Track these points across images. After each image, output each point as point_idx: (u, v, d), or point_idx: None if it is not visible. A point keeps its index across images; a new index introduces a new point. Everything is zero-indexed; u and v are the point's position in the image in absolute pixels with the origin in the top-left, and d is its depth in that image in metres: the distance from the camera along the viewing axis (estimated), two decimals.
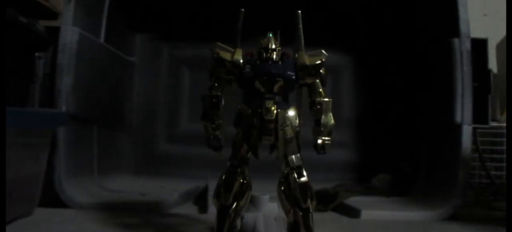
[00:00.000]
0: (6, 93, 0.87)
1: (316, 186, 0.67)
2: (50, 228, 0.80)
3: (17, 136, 0.76)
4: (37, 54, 0.98)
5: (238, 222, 0.70)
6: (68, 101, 0.98)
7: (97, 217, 0.87)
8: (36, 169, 0.85)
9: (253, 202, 0.82)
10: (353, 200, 1.06)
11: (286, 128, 0.64)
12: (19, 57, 0.91)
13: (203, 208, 1.00)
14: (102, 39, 1.13)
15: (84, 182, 1.04)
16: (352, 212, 0.98)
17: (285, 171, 0.65)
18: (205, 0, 1.31)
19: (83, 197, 0.97)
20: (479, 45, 1.05)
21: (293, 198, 0.64)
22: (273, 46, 0.64)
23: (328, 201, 1.04)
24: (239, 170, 0.65)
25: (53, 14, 0.97)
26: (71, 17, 0.99)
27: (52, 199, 0.93)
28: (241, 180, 0.65)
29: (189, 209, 1.02)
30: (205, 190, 1.10)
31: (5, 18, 0.85)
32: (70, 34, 0.99)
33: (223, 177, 0.65)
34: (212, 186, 1.04)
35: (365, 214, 0.96)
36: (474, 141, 1.05)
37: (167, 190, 1.12)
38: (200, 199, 1.09)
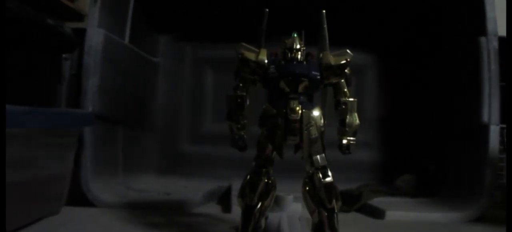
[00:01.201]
0: (34, 93, 0.89)
1: (339, 187, 0.66)
2: (77, 226, 0.81)
3: (45, 136, 0.77)
4: (64, 55, 0.99)
5: (263, 222, 0.70)
6: (94, 101, 0.99)
7: (123, 216, 0.88)
8: (63, 169, 0.86)
9: (278, 202, 0.82)
10: (378, 201, 1.05)
11: (311, 128, 0.64)
12: (47, 58, 0.93)
13: (226, 208, 1.00)
14: (126, 40, 1.14)
15: (110, 181, 1.05)
16: (377, 213, 0.97)
17: (310, 171, 0.65)
18: (229, 1, 1.31)
19: (109, 196, 0.98)
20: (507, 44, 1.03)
21: (318, 198, 0.64)
22: (298, 46, 0.64)
23: (352, 201, 1.04)
24: (264, 170, 0.65)
25: (80, 16, 0.99)
26: (97, 19, 1.01)
27: (79, 198, 0.94)
28: (266, 180, 0.65)
29: (213, 209, 1.02)
30: (228, 190, 1.10)
31: (32, 19, 0.86)
32: (95, 35, 1.00)
33: (248, 177, 0.66)
34: (236, 186, 1.05)
35: (390, 215, 0.95)
36: (502, 141, 1.03)
37: (191, 189, 1.12)
38: (223, 199, 1.09)
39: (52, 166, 0.82)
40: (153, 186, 1.18)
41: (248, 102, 0.67)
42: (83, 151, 0.96)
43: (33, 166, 0.75)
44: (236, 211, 0.88)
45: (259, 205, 0.65)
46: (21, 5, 0.83)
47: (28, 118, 0.70)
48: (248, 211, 0.65)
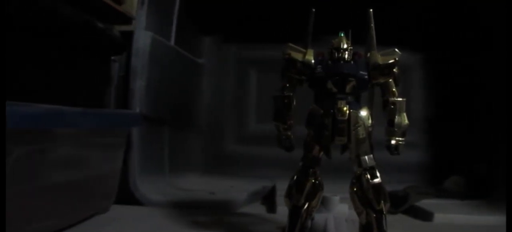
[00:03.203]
0: (85, 95, 0.92)
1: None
2: (126, 224, 0.83)
3: (95, 136, 0.80)
4: (112, 57, 1.02)
5: (309, 223, 0.70)
6: (141, 102, 1.01)
7: (169, 215, 0.89)
8: (113, 168, 0.88)
9: (324, 203, 0.81)
10: (425, 203, 1.02)
11: (358, 128, 0.63)
12: (97, 61, 0.95)
13: (271, 208, 1.00)
14: (172, 42, 1.16)
15: (156, 180, 1.07)
16: (424, 215, 0.95)
17: (358, 172, 0.64)
18: (273, 1, 1.32)
19: (156, 195, 0.99)
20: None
21: (366, 199, 0.64)
22: (345, 46, 0.64)
23: (399, 203, 1.02)
24: (311, 170, 0.65)
25: (127, 19, 1.01)
26: (144, 21, 1.03)
27: (126, 196, 0.96)
28: (313, 181, 0.65)
29: (257, 209, 1.02)
30: (273, 190, 1.11)
31: (83, 23, 0.89)
32: (143, 38, 1.02)
33: (295, 177, 0.65)
34: (280, 186, 1.06)
35: (438, 217, 0.93)
36: None
37: (235, 189, 1.13)
38: (268, 199, 1.09)
39: (102, 166, 0.84)
40: (198, 185, 1.19)
41: (294, 103, 0.67)
42: (131, 151, 0.98)
43: (84, 165, 0.77)
44: (281, 211, 0.88)
45: (306, 206, 0.65)
46: (73, 10, 0.86)
47: (80, 118, 0.72)
48: (295, 212, 0.65)
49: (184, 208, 0.95)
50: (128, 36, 1.02)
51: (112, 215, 0.88)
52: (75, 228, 0.77)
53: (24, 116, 0.57)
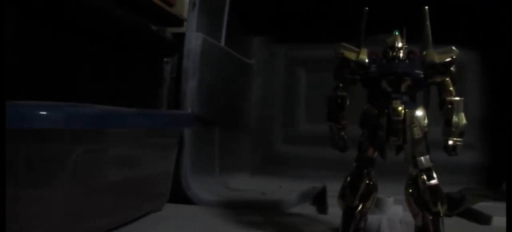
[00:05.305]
0: (139, 95, 0.94)
1: None
2: (179, 223, 0.84)
3: (150, 136, 0.81)
4: (165, 59, 1.04)
5: (362, 224, 0.69)
6: (192, 103, 1.02)
7: (221, 214, 0.90)
8: (166, 167, 0.90)
9: (377, 204, 0.80)
10: (482, 206, 0.99)
11: (414, 128, 0.62)
12: (150, 63, 0.98)
13: (322, 209, 0.99)
14: (222, 43, 1.17)
15: (207, 180, 1.08)
16: (482, 218, 0.92)
17: (414, 173, 0.63)
18: (322, 1, 1.31)
19: (207, 194, 1.00)
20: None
21: (422, 201, 0.62)
22: (400, 44, 0.62)
23: (454, 205, 0.99)
24: (365, 171, 0.64)
25: (179, 21, 1.03)
26: (195, 23, 1.04)
27: (178, 195, 0.97)
28: (367, 182, 0.64)
29: (308, 209, 1.02)
30: (323, 190, 1.10)
31: (137, 26, 0.91)
32: (194, 39, 1.03)
33: (349, 178, 0.65)
34: (330, 187, 1.05)
35: (497, 220, 0.89)
36: None
37: (285, 189, 1.13)
38: (318, 200, 1.09)
39: (157, 165, 0.86)
40: (248, 185, 1.19)
41: (348, 103, 0.66)
42: (183, 150, 0.99)
43: (139, 165, 0.79)
44: (332, 212, 0.87)
45: (359, 207, 0.65)
46: (127, 13, 0.88)
47: (136, 119, 0.74)
48: (348, 213, 0.65)
49: (235, 207, 0.95)
50: (180, 38, 1.04)
51: (165, 214, 0.89)
52: (130, 226, 0.78)
53: (83, 117, 0.59)
